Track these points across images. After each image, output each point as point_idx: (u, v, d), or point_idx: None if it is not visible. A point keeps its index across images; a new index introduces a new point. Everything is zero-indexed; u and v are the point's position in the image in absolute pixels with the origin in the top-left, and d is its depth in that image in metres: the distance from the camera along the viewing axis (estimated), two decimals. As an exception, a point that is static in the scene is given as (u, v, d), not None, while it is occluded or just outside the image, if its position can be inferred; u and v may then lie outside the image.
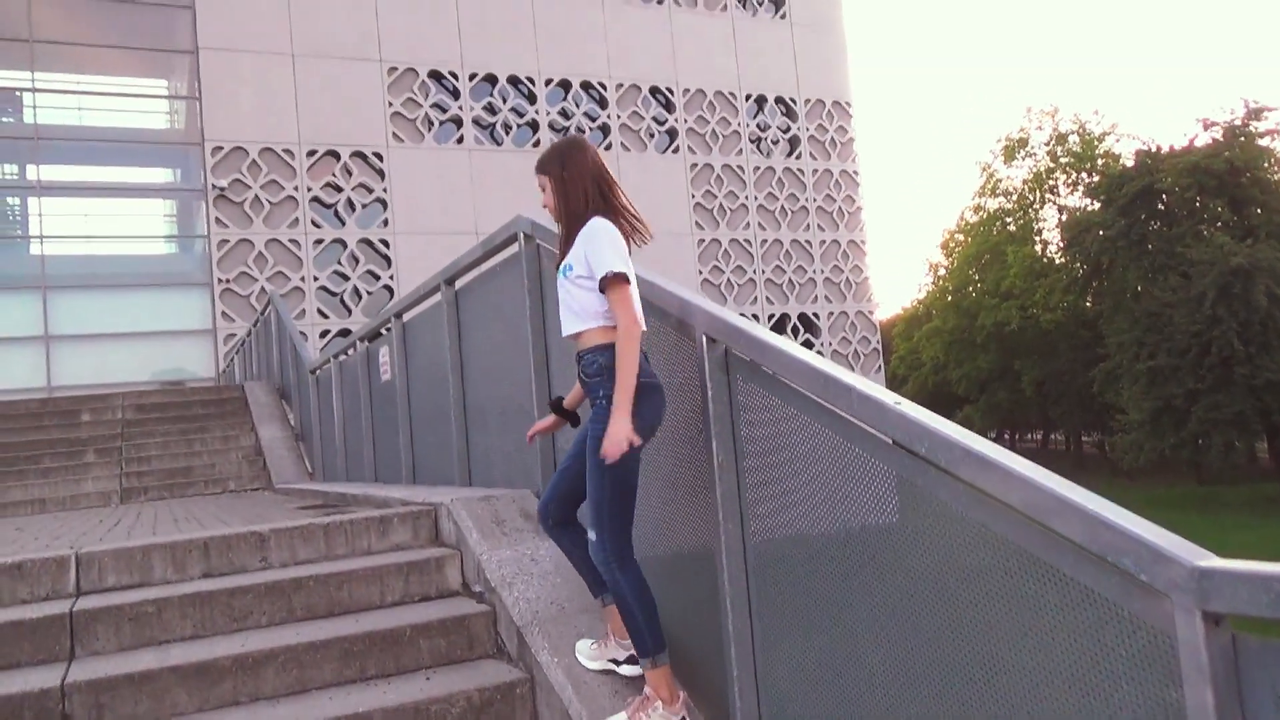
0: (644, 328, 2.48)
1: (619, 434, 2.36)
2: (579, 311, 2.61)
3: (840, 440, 1.97)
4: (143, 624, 2.81)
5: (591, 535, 2.57)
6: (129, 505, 7.71)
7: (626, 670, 2.72)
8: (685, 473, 2.61)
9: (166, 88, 20.17)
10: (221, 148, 18.11)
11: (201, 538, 3.13)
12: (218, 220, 17.96)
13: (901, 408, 1.73)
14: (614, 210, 2.69)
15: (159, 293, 18.46)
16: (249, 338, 14.22)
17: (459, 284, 4.53)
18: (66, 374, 17.15)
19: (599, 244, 2.55)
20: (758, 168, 23.44)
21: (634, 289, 2.51)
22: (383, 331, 5.75)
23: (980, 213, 41.61)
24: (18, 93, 18.16)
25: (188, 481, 8.55)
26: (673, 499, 2.72)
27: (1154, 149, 32.39)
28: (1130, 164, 33.20)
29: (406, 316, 5.28)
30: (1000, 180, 40.72)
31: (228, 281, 17.92)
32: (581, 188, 2.67)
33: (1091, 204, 35.42)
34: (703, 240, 22.42)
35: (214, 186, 17.95)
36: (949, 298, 41.39)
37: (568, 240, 2.68)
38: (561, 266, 2.67)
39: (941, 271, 44.15)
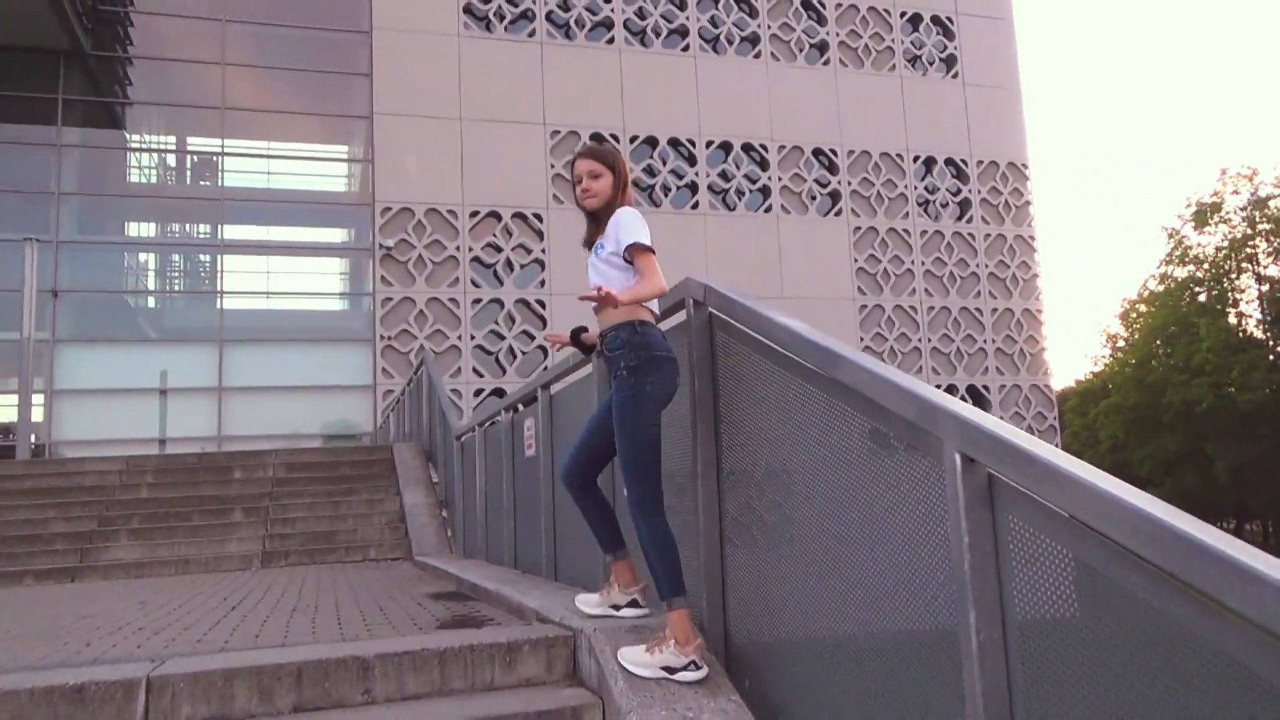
0: (666, 289, 2.91)
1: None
2: (612, 288, 2.80)
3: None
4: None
5: (625, 491, 2.89)
6: (268, 570, 7.49)
7: (628, 614, 3.03)
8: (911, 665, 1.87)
9: (346, 152, 20.98)
10: (390, 208, 18.56)
11: (295, 662, 2.59)
12: (383, 278, 18.34)
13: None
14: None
15: (326, 348, 18.94)
16: (403, 396, 14.23)
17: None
18: (236, 424, 17.73)
19: (631, 224, 2.93)
20: (925, 231, 22.32)
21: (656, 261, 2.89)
22: (529, 403, 5.23)
23: (1167, 281, 38.56)
24: (214, 158, 19.24)
25: (329, 547, 8.30)
26: None
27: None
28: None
29: (555, 388, 4.75)
30: (1190, 247, 37.71)
31: (389, 338, 18.21)
32: (627, 189, 3.15)
33: (1297, 274, 32.23)
34: (865, 306, 21.41)
35: (381, 245, 18.37)
36: (1130, 372, 38.37)
37: (599, 227, 3.08)
38: (595, 246, 3.08)
39: (1121, 343, 41.10)
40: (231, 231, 19.26)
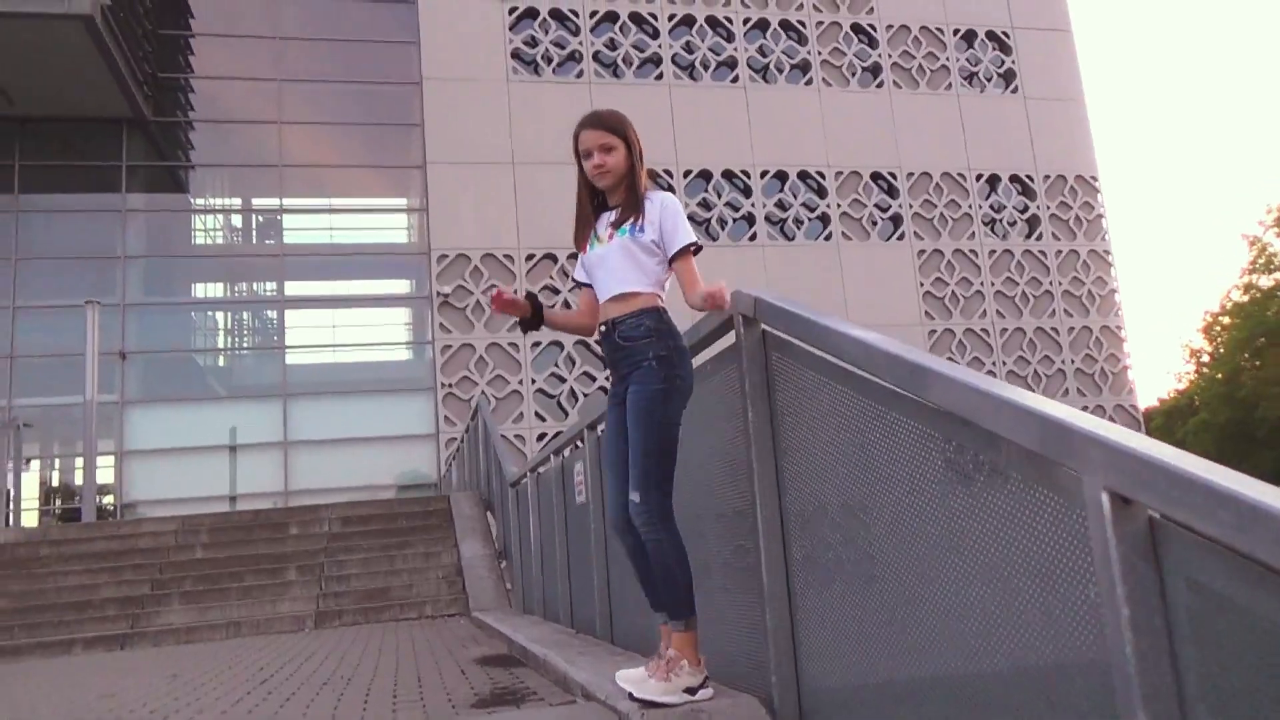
0: None
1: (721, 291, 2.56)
2: (643, 273, 2.70)
3: None
4: None
5: (634, 497, 2.59)
6: (320, 631, 7.19)
7: (703, 695, 2.51)
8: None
9: (403, 203, 21.10)
10: (446, 255, 18.53)
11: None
12: (441, 326, 18.26)
13: None
14: None
15: (389, 398, 18.89)
16: (462, 444, 13.99)
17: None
18: (301, 478, 17.70)
19: (679, 218, 2.75)
20: (993, 251, 21.56)
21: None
22: (577, 444, 4.84)
23: (1251, 291, 36.88)
24: (278, 216, 19.49)
25: (384, 605, 7.97)
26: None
27: None
28: None
29: (601, 427, 4.35)
30: (1275, 254, 36.06)
31: (450, 386, 18.07)
32: (643, 160, 2.86)
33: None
34: (934, 331, 20.69)
35: (438, 293, 18.32)
36: (1219, 387, 36.63)
37: (631, 204, 2.78)
38: (627, 226, 2.75)
39: (1205, 358, 39.34)
40: (293, 287, 19.42)
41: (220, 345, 20.92)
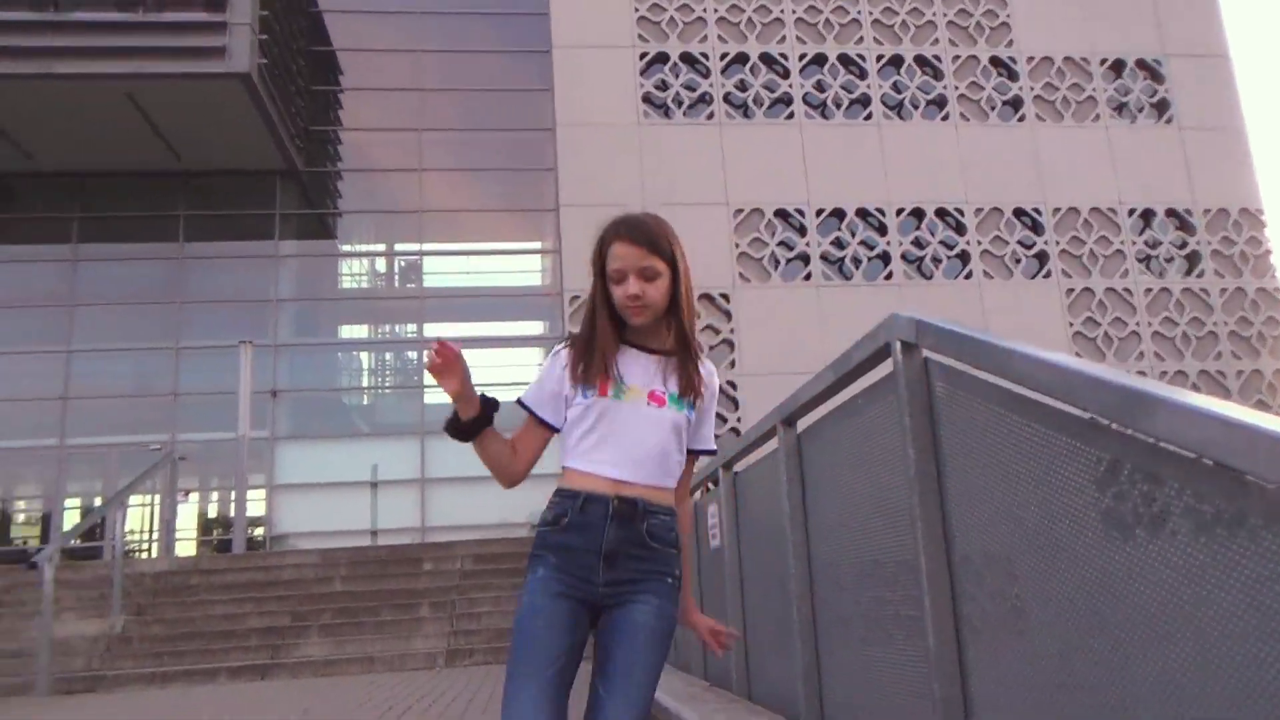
0: None
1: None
2: (675, 462, 2.11)
3: None
4: None
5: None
6: (450, 670, 7.17)
7: None
8: None
9: (539, 247, 21.52)
10: (579, 297, 18.71)
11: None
12: (573, 367, 18.37)
13: None
14: None
15: (520, 438, 19.07)
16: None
17: (801, 424, 3.33)
18: (437, 514, 18.05)
19: (713, 408, 2.21)
20: (1149, 289, 20.32)
21: None
22: (709, 486, 4.64)
23: None
24: (418, 259, 20.19)
25: (514, 644, 7.88)
26: None
27: None
28: None
29: (738, 467, 4.15)
30: None
31: (582, 427, 18.12)
32: (690, 295, 2.17)
33: None
34: (1085, 373, 19.55)
35: (570, 334, 18.45)
36: None
37: (688, 369, 2.10)
38: (676, 395, 2.09)
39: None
40: (432, 329, 20.01)
41: (364, 384, 21.69)
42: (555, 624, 1.97)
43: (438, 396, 19.44)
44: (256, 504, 17.19)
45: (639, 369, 2.13)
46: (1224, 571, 1.29)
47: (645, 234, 2.12)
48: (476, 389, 2.15)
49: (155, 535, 16.76)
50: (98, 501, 17.39)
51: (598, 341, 2.15)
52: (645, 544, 2.04)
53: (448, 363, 2.09)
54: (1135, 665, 1.51)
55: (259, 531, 17.26)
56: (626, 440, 2.08)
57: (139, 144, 17.79)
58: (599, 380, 2.11)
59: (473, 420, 2.15)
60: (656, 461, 2.08)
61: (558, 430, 2.22)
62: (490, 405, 2.17)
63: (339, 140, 20.70)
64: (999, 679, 1.99)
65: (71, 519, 16.90)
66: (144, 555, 15.77)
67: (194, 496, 18.76)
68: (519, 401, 2.29)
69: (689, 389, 2.11)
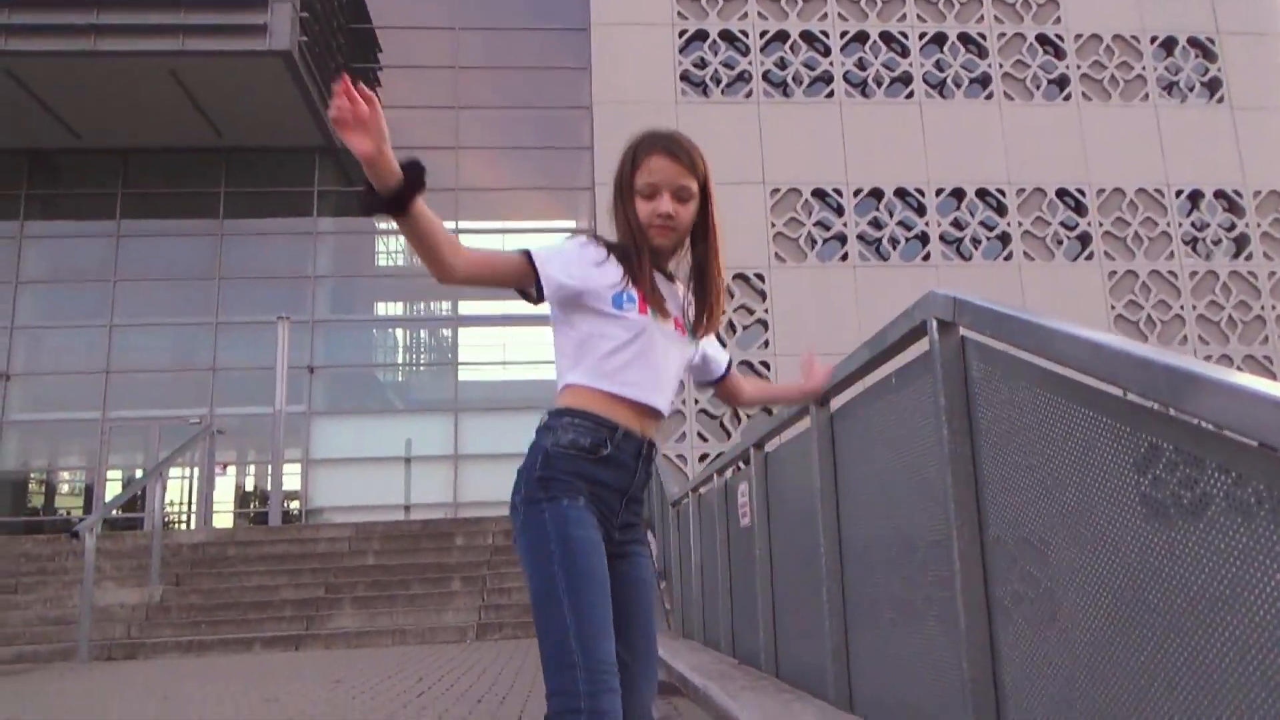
0: None
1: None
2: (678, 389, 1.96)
3: None
4: None
5: (643, 690, 1.79)
6: (480, 643, 7.23)
7: None
8: None
9: (574, 226, 21.51)
10: (612, 275, 18.68)
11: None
12: (606, 345, 18.38)
13: None
14: None
15: (552, 415, 19.17)
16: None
17: (834, 404, 3.28)
18: (469, 490, 18.19)
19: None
20: (1195, 272, 19.89)
21: None
22: (740, 465, 4.61)
23: None
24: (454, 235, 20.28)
25: (544, 620, 7.92)
26: None
27: None
28: None
29: (769, 447, 4.11)
30: None
31: (612, 405, 18.15)
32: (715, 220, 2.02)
33: None
34: (1127, 358, 19.22)
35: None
36: None
37: (708, 302, 1.94)
38: (691, 327, 1.94)
39: None
40: (466, 306, 20.10)
41: (399, 361, 21.88)
42: (605, 567, 1.78)
43: (472, 374, 19.57)
44: (292, 478, 17.42)
45: (669, 293, 1.96)
46: (1267, 556, 1.24)
47: (686, 151, 1.99)
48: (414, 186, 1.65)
49: (193, 507, 17.04)
50: (138, 473, 17.72)
51: (642, 256, 1.91)
52: (646, 484, 1.92)
53: (359, 114, 1.62)
54: (1173, 652, 1.46)
55: (294, 505, 17.50)
56: (656, 364, 1.88)
57: (181, 121, 17.98)
58: (646, 281, 1.89)
59: (398, 187, 1.64)
60: (674, 390, 1.94)
61: (539, 301, 1.90)
62: (414, 169, 1.66)
63: (377, 117, 20.77)
64: (1030, 662, 1.95)
65: (113, 490, 17.23)
66: (182, 527, 16.06)
67: (231, 470, 19.05)
68: (525, 252, 1.91)
69: (704, 322, 1.96)
